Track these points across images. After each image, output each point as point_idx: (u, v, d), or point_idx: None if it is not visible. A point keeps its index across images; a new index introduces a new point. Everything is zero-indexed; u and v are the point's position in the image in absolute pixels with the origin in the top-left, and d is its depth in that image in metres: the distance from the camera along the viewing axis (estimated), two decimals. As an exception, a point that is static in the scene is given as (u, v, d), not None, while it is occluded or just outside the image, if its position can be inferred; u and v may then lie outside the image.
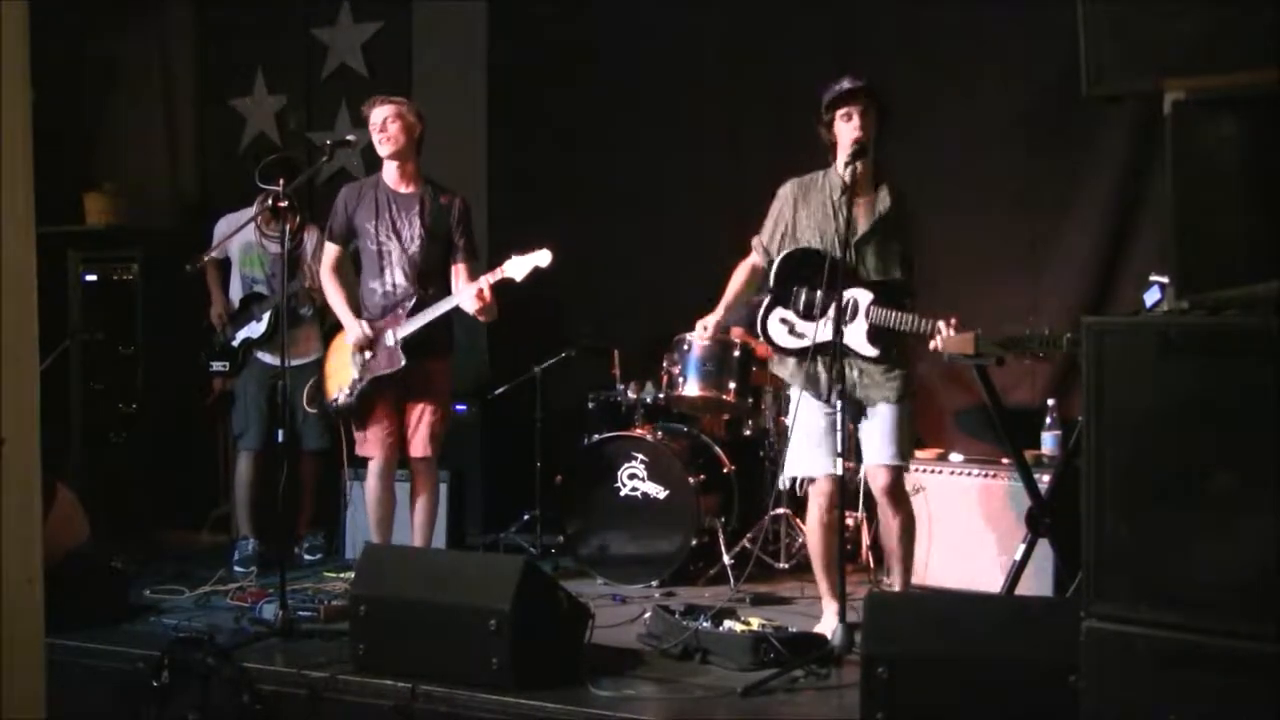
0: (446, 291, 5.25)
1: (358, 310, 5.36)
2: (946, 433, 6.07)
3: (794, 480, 4.79)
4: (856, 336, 4.50)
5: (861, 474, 4.98)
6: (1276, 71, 2.39)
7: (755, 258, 4.80)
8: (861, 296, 4.49)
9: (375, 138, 5.26)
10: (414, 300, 5.21)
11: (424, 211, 5.27)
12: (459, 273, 5.29)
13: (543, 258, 5.03)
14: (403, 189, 5.30)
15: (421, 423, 5.31)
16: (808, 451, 4.63)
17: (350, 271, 5.54)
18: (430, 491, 5.39)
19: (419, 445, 5.32)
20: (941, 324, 4.36)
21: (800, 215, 4.63)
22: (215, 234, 6.18)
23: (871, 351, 4.51)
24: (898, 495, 4.63)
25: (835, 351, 4.29)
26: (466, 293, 5.11)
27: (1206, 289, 2.55)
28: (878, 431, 4.58)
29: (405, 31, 7.48)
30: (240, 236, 6.20)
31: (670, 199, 6.83)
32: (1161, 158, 2.61)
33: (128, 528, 6.57)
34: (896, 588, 4.70)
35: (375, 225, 5.27)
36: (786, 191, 4.70)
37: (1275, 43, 2.36)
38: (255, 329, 6.22)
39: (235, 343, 6.28)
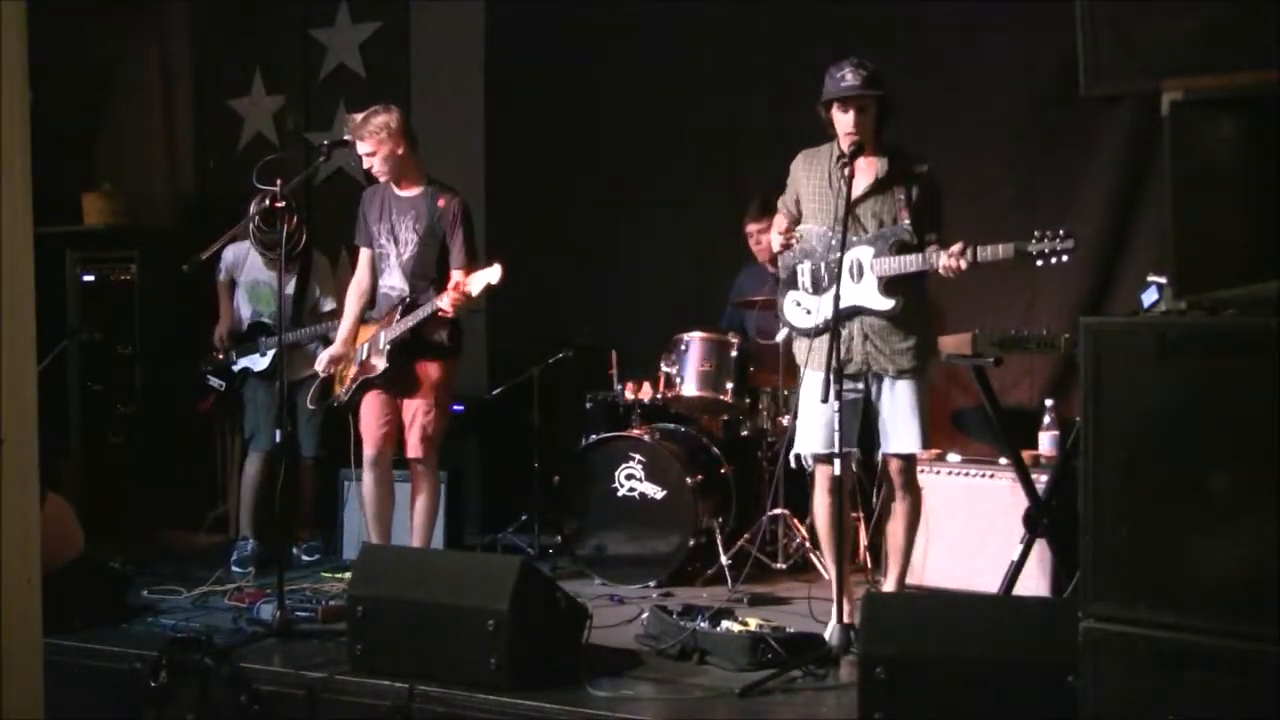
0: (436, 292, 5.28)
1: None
2: (944, 433, 6.06)
3: (799, 458, 4.76)
4: (868, 293, 4.47)
5: (854, 466, 4.92)
6: (1276, 72, 2.39)
7: (780, 217, 4.82)
8: (863, 253, 4.46)
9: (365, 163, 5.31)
10: (406, 302, 5.25)
11: (419, 214, 5.28)
12: (455, 278, 5.27)
13: (493, 274, 5.04)
14: (403, 192, 5.32)
15: (414, 424, 5.30)
16: (811, 431, 4.61)
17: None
18: (428, 493, 5.38)
19: (412, 447, 5.32)
20: (945, 255, 4.31)
21: (804, 182, 4.65)
22: (222, 257, 6.21)
23: (887, 304, 4.46)
24: (909, 482, 4.64)
25: (834, 346, 4.27)
26: (442, 297, 5.12)
27: (1205, 289, 2.54)
28: (889, 414, 4.55)
29: (403, 31, 7.49)
30: (247, 274, 6.25)
31: (669, 199, 6.83)
32: (1160, 158, 2.61)
33: (126, 528, 6.58)
34: (890, 581, 4.68)
35: (379, 228, 5.33)
36: (798, 161, 4.71)
37: (1274, 43, 2.36)
38: (257, 362, 6.22)
39: (235, 368, 6.28)
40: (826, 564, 4.79)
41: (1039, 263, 4.27)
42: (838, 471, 4.47)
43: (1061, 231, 4.23)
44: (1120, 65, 2.57)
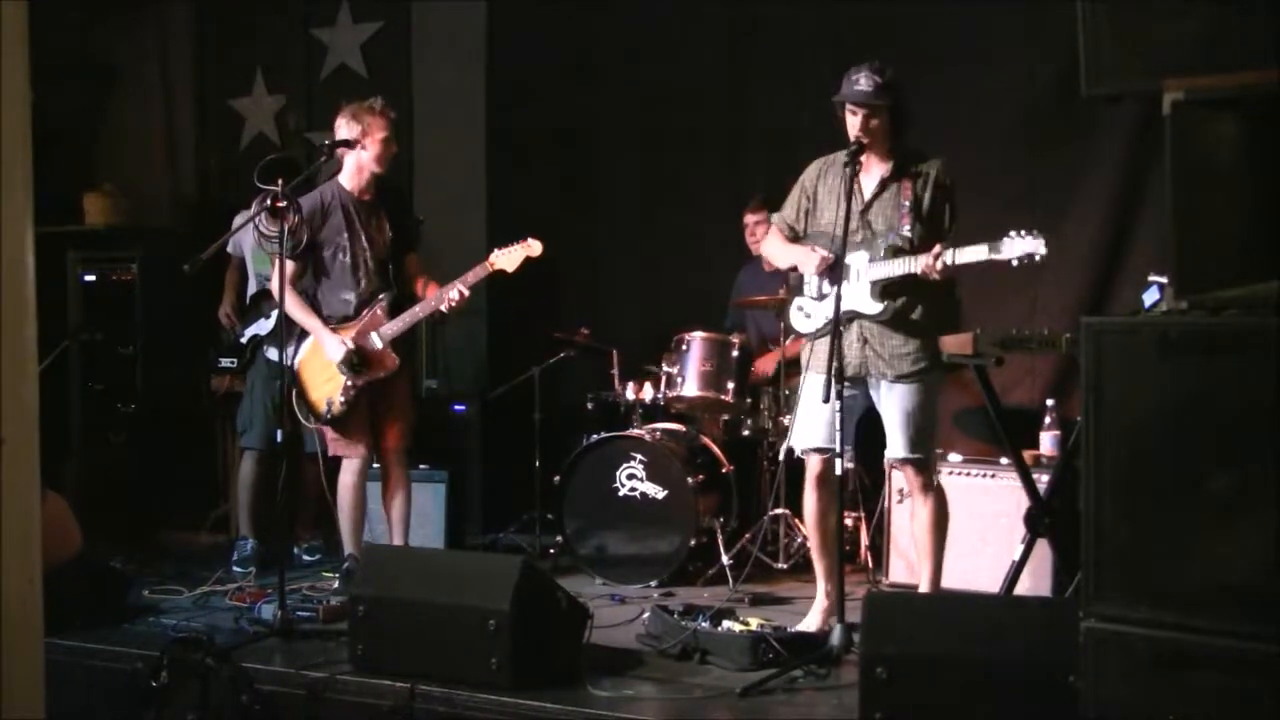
0: (403, 281, 5.27)
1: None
2: (945, 433, 6.06)
3: (790, 451, 4.79)
4: (860, 297, 4.50)
5: (854, 468, 4.92)
6: (1277, 72, 2.39)
7: (776, 231, 4.83)
8: (858, 258, 4.50)
9: (374, 150, 5.17)
10: (387, 298, 5.19)
11: (383, 216, 5.27)
12: (412, 261, 5.33)
13: (533, 248, 5.06)
14: (367, 197, 5.28)
15: (401, 419, 5.28)
16: (805, 427, 4.64)
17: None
18: (407, 488, 5.31)
19: (393, 436, 5.26)
20: (925, 257, 4.35)
21: (820, 191, 4.68)
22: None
23: (876, 307, 4.50)
24: (921, 487, 4.62)
25: (834, 345, 4.26)
26: (446, 293, 5.09)
27: (1206, 289, 2.54)
28: (887, 420, 4.57)
29: (405, 32, 7.50)
30: (251, 236, 6.24)
31: (670, 199, 6.84)
32: (1161, 158, 2.61)
33: (127, 528, 6.58)
34: (924, 584, 4.67)
35: (348, 236, 5.20)
36: (811, 170, 4.75)
37: (1275, 43, 2.36)
38: (263, 325, 6.22)
39: (244, 339, 6.30)
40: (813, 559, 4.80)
41: (1014, 263, 4.29)
42: (820, 468, 4.57)
43: (1034, 231, 4.26)
44: (1121, 65, 2.57)
